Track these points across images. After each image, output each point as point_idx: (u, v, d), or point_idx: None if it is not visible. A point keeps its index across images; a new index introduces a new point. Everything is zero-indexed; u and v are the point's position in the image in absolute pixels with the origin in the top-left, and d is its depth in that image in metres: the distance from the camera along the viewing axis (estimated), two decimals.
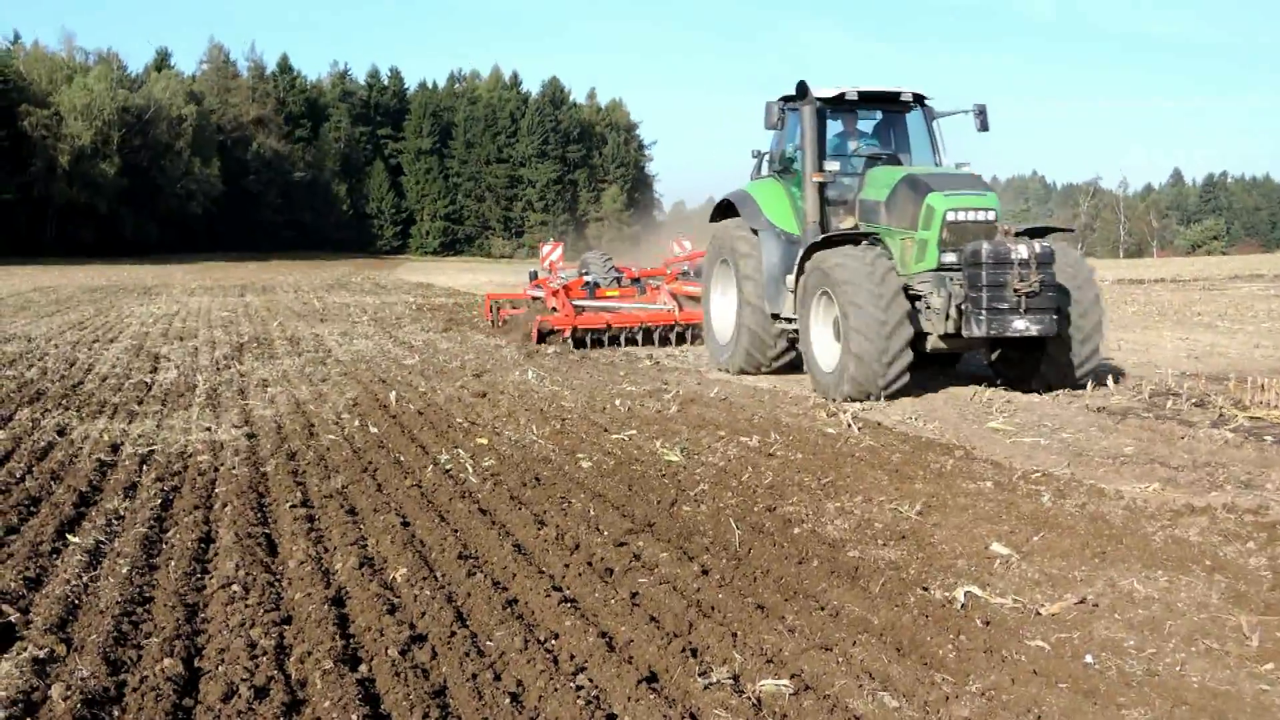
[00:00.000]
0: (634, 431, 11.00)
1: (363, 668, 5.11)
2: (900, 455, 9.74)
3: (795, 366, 14.64)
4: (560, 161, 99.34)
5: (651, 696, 4.67)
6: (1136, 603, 5.86)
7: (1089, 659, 5.13)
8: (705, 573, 6.44)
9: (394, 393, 13.45)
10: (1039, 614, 5.77)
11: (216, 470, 9.37)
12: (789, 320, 14.14)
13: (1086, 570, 6.45)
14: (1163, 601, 5.86)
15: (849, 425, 11.05)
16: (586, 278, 21.52)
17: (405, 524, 7.67)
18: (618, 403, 12.78)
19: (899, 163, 14.25)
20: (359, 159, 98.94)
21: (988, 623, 5.65)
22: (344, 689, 4.73)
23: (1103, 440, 10.16)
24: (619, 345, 19.07)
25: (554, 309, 19.97)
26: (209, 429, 11.23)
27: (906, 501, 8.06)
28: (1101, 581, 6.23)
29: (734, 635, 5.40)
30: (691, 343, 19.00)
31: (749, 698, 4.69)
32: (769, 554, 6.85)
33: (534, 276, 22.98)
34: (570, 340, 18.78)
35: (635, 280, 21.84)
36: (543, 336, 19.19)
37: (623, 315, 19.74)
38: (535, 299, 21.86)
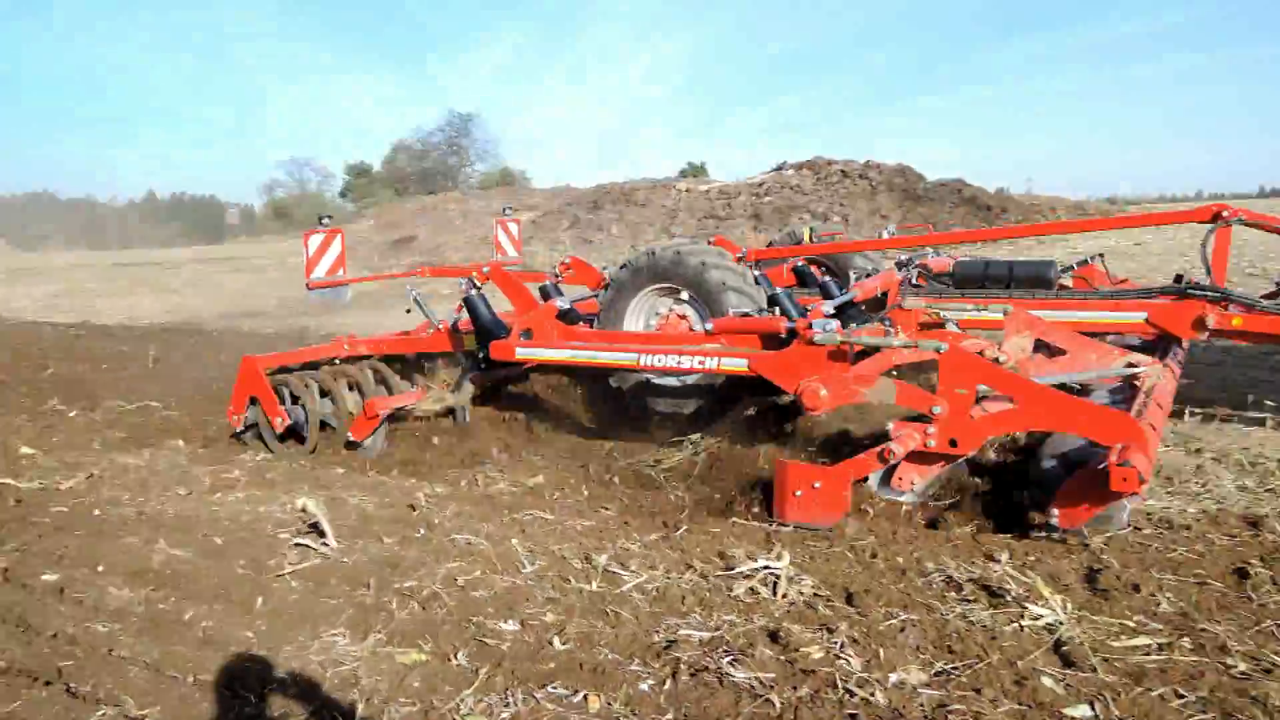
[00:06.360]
0: None
1: None
2: None
3: None
4: None
5: None
6: (129, 471, 7.57)
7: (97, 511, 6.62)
8: None
9: None
10: None
11: None
12: None
13: (95, 455, 8.16)
14: (149, 467, 7.69)
15: None
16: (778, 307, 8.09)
17: None
18: None
19: None
20: None
21: None
22: None
23: None
24: None
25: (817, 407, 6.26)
26: None
27: None
28: (107, 461, 7.90)
29: None
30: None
31: None
32: None
33: (468, 299, 8.30)
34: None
35: (849, 308, 8.23)
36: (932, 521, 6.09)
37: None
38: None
